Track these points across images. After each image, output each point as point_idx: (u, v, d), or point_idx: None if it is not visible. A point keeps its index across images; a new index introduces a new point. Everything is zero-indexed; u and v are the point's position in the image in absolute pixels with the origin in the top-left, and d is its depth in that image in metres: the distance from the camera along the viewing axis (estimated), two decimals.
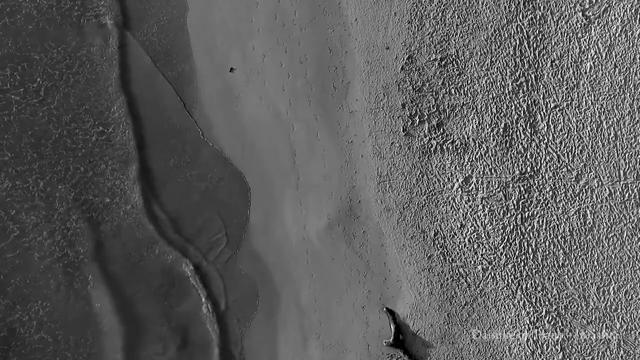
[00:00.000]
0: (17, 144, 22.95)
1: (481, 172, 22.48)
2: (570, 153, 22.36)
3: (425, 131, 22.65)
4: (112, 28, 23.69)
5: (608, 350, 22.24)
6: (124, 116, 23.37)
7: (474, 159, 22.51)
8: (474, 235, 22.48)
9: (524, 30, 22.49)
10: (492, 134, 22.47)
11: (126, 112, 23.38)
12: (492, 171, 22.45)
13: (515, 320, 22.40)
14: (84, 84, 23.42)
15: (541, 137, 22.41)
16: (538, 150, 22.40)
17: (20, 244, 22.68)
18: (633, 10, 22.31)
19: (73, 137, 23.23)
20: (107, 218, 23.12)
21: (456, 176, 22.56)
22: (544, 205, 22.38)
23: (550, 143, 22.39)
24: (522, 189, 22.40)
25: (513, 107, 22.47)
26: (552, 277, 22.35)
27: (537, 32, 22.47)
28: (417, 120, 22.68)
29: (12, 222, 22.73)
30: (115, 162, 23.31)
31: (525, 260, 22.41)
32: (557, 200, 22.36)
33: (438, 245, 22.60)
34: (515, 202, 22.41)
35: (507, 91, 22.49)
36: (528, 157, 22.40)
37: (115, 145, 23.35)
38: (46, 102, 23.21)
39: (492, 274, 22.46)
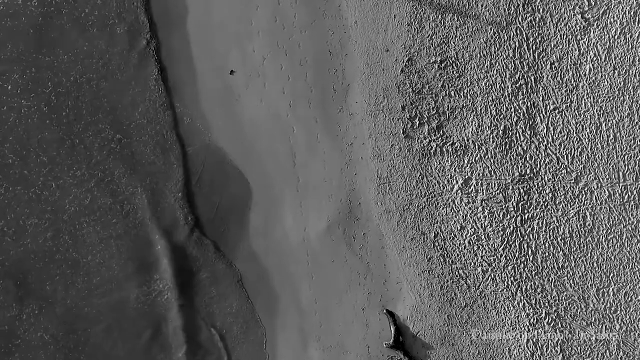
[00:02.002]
0: (24, 148, 22.92)
1: (481, 174, 22.55)
2: (569, 155, 22.43)
3: (425, 133, 22.71)
4: (130, 36, 23.55)
5: (607, 351, 22.32)
6: (146, 126, 23.34)
7: (473, 161, 22.58)
8: (473, 237, 22.55)
9: (524, 33, 22.56)
10: (491, 136, 22.54)
11: (147, 122, 23.36)
12: (492, 173, 22.52)
13: (515, 321, 22.48)
14: (97, 92, 23.31)
15: (540, 139, 22.48)
16: (537, 152, 22.46)
17: (13, 246, 22.70)
18: (632, 13, 22.37)
19: (86, 144, 23.16)
20: (126, 223, 23.23)
21: (456, 178, 22.62)
22: (543, 207, 22.45)
23: (549, 145, 22.46)
24: (521, 190, 22.46)
25: (512, 109, 22.53)
26: (552, 279, 22.42)
27: (537, 34, 22.53)
28: (417, 123, 22.74)
29: (7, 227, 22.74)
30: (131, 170, 23.29)
31: (525, 262, 22.48)
32: (557, 202, 22.43)
33: (438, 247, 22.67)
34: (514, 204, 22.47)
35: (506, 93, 22.56)
36: (527, 159, 22.47)
37: (135, 154, 23.31)
38: (57, 109, 23.12)
39: (492, 276, 22.53)
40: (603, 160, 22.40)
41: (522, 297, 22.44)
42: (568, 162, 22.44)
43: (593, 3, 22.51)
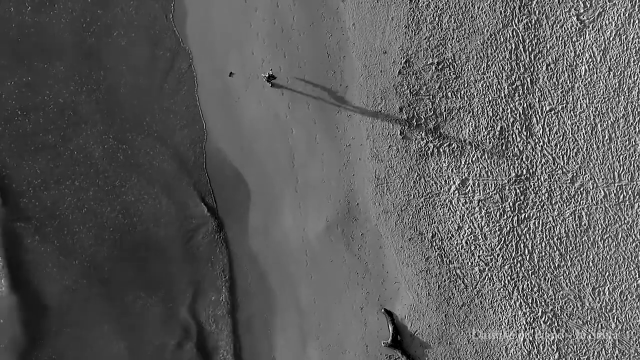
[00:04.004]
0: (20, 160, 23.19)
1: (478, 175, 22.74)
2: (565, 155, 22.63)
3: (423, 134, 22.91)
4: (172, 56, 23.84)
5: (603, 350, 22.49)
6: (159, 136, 23.62)
7: (470, 161, 22.77)
8: (471, 237, 22.74)
9: (520, 35, 22.76)
10: (488, 137, 22.73)
11: (153, 133, 23.67)
12: (489, 173, 22.72)
13: (512, 320, 22.65)
14: (94, 107, 23.50)
15: (537, 140, 22.68)
16: (534, 153, 22.66)
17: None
18: (627, 15, 22.59)
19: (86, 152, 23.35)
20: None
21: (453, 179, 22.82)
22: (539, 207, 22.64)
23: (545, 146, 22.66)
24: (518, 191, 22.66)
25: (509, 110, 22.74)
26: (548, 278, 22.61)
27: (533, 36, 22.74)
28: (415, 124, 22.94)
29: None
30: (137, 176, 23.59)
31: (522, 262, 22.67)
32: (553, 202, 22.63)
33: (435, 247, 22.85)
34: (511, 204, 22.67)
35: (503, 94, 22.76)
36: (524, 159, 22.67)
37: (142, 162, 23.57)
38: (57, 119, 23.36)
39: (489, 275, 22.71)
40: (599, 161, 22.60)
41: (518, 296, 22.62)
42: (564, 163, 22.64)
43: (588, 5, 22.72)
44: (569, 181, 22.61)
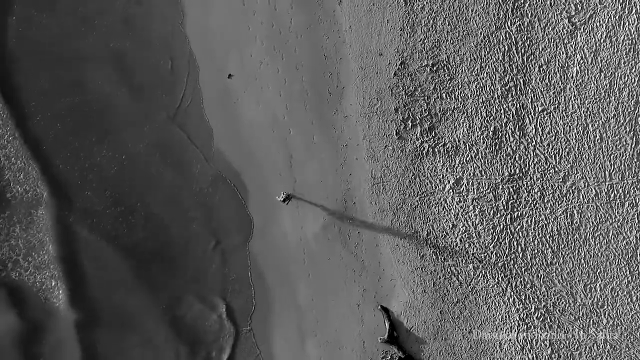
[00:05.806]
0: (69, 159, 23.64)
1: (472, 174, 23.07)
2: (557, 155, 22.97)
3: (418, 135, 23.23)
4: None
5: (595, 345, 22.83)
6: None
7: (464, 161, 23.10)
8: (465, 235, 23.07)
9: (513, 37, 23.11)
10: (482, 137, 23.07)
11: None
12: (482, 173, 23.05)
13: (506, 317, 22.97)
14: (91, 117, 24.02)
15: (529, 140, 23.02)
16: (526, 153, 22.99)
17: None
18: (617, 17, 22.92)
19: (76, 159, 24.00)
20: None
21: (447, 178, 23.14)
22: (532, 205, 22.98)
23: (538, 145, 23.00)
24: (511, 190, 23.00)
25: (502, 110, 23.08)
26: (541, 275, 22.94)
27: (525, 38, 23.07)
28: (410, 124, 23.26)
29: None
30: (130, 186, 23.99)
31: (515, 259, 23.00)
32: (545, 201, 22.96)
33: (430, 245, 23.16)
34: (504, 202, 23.01)
35: (496, 95, 23.10)
36: (517, 159, 23.01)
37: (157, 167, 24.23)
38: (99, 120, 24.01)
39: (483, 272, 23.04)
40: (590, 160, 22.93)
41: (512, 293, 22.96)
42: (556, 162, 22.98)
43: (580, 7, 23.05)
44: (561, 180, 22.94)
